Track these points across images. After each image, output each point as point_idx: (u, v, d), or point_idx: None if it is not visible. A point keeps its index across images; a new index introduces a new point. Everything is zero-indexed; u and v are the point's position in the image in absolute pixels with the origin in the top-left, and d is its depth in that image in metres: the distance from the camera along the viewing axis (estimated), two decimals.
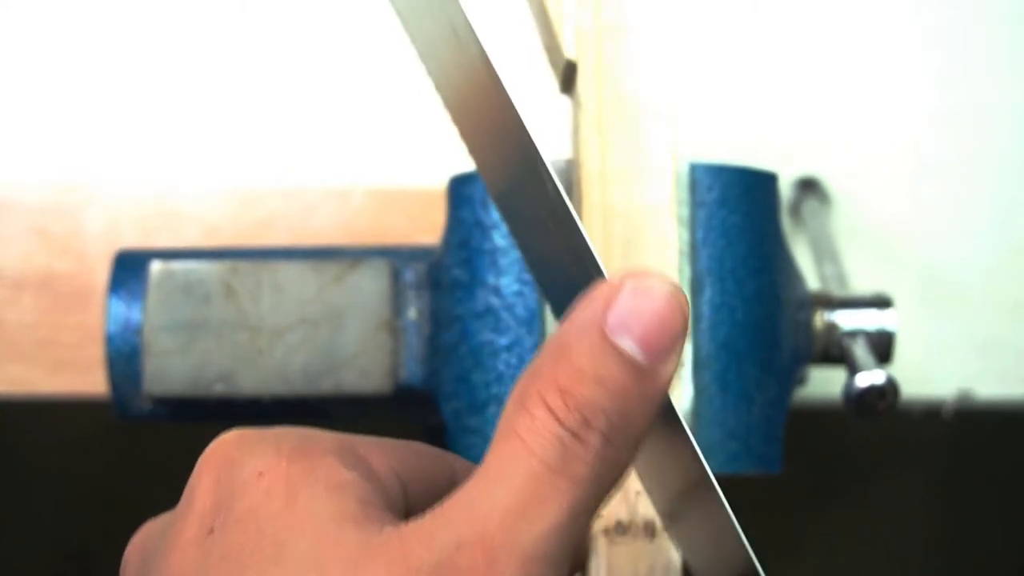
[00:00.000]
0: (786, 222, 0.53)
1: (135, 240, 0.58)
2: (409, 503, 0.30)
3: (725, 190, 0.42)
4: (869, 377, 0.43)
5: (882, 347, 0.46)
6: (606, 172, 0.39)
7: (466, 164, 0.35)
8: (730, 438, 0.42)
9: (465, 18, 0.28)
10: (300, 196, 0.60)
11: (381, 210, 0.59)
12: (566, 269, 0.30)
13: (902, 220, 0.61)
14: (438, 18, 0.28)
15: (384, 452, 0.30)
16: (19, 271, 0.58)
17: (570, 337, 0.26)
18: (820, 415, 0.54)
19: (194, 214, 0.59)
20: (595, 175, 0.39)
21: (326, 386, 0.45)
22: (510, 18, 0.60)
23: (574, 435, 0.26)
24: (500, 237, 0.43)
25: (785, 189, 0.59)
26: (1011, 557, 0.74)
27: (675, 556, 0.37)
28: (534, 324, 0.42)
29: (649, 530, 0.37)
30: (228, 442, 0.28)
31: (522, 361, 0.42)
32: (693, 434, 0.40)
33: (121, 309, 0.47)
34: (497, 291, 0.43)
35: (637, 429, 0.27)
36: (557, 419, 0.26)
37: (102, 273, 0.51)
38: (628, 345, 0.26)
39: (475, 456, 0.43)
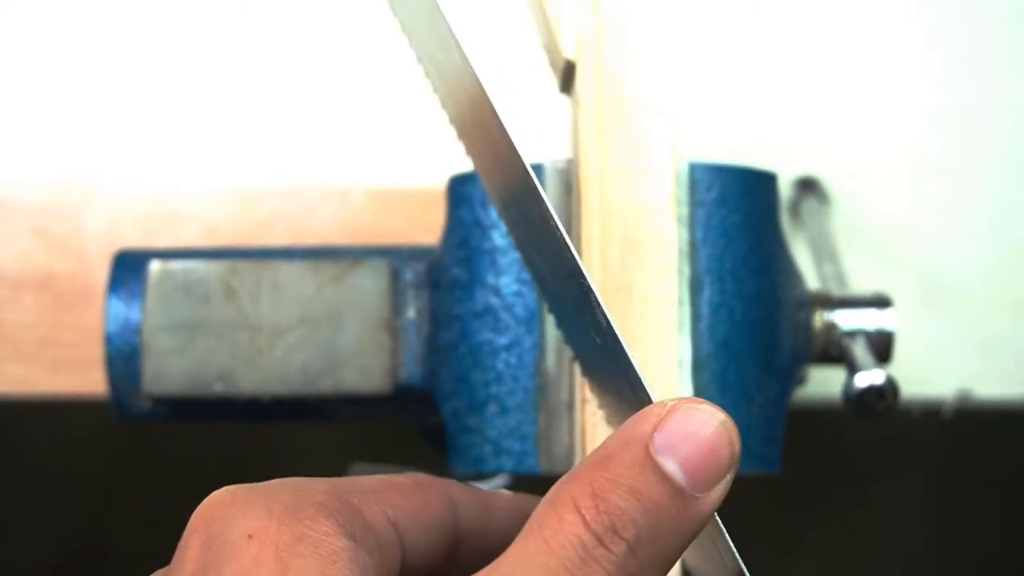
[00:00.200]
0: (785, 222, 0.53)
1: (135, 240, 0.58)
2: (406, 550, 0.29)
3: (725, 190, 0.42)
4: (869, 377, 0.43)
5: (882, 347, 0.46)
6: (605, 172, 0.39)
7: (465, 164, 0.35)
8: None
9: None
10: (300, 196, 0.60)
11: (381, 210, 0.59)
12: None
13: (902, 220, 0.61)
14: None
15: (377, 500, 0.29)
16: (19, 271, 0.58)
17: (613, 448, 0.27)
18: (820, 415, 0.54)
19: (194, 214, 0.59)
20: (594, 175, 0.39)
21: (325, 386, 0.45)
22: (510, 18, 0.60)
23: (599, 540, 0.25)
24: (499, 237, 0.43)
25: (784, 189, 0.59)
26: (1011, 556, 0.74)
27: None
28: (533, 324, 0.42)
29: None
30: (219, 500, 0.28)
31: (521, 360, 0.42)
32: None
33: (120, 309, 0.47)
34: (496, 291, 0.43)
35: (668, 549, 0.26)
36: (584, 522, 0.26)
37: (102, 273, 0.51)
38: (671, 467, 0.26)
39: (474, 456, 0.43)
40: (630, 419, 0.27)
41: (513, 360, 0.42)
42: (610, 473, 0.26)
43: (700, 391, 0.41)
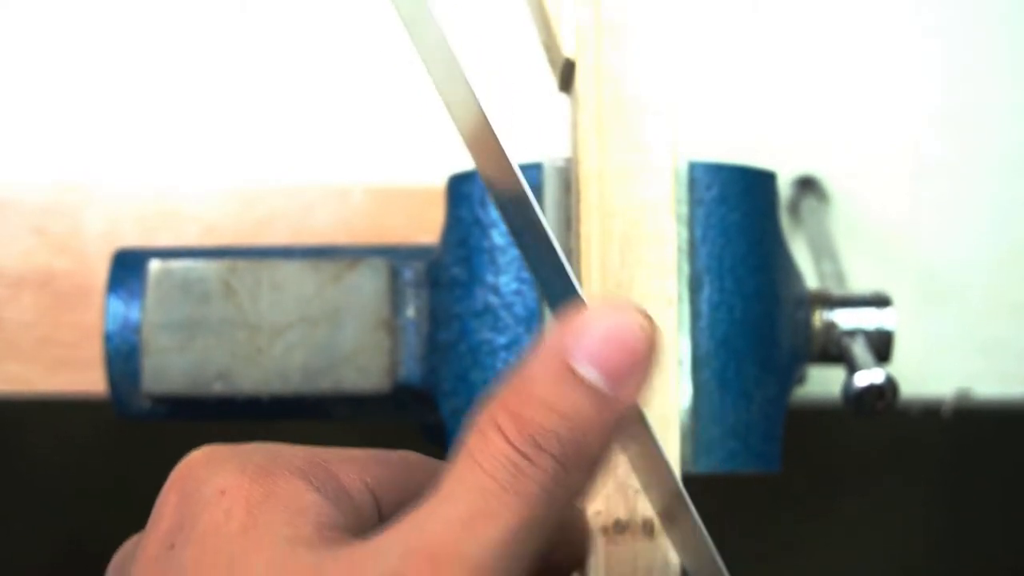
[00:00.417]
0: (785, 220, 0.53)
1: (135, 240, 0.58)
2: (384, 516, 0.30)
3: (724, 188, 0.42)
4: (868, 376, 0.43)
5: (881, 346, 0.46)
6: (605, 170, 0.39)
7: (465, 163, 0.35)
8: (729, 436, 0.42)
9: (465, 77, 0.29)
10: (299, 195, 0.60)
11: (380, 209, 0.59)
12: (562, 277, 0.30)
13: (901, 219, 0.61)
14: (447, 67, 0.29)
15: (356, 467, 0.30)
16: (19, 270, 0.58)
17: (533, 365, 0.27)
18: (819, 414, 0.54)
19: (194, 214, 0.59)
20: (594, 173, 0.39)
21: (325, 384, 0.45)
22: (509, 17, 0.60)
23: (525, 457, 0.26)
24: (499, 235, 0.43)
25: (784, 187, 0.59)
26: (1010, 556, 0.74)
27: (673, 555, 0.37)
28: (533, 323, 0.42)
29: (648, 529, 0.37)
30: (196, 459, 0.29)
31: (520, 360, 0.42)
32: (692, 432, 0.41)
33: (120, 308, 0.47)
34: (496, 289, 0.43)
35: (594, 453, 0.27)
36: (509, 442, 0.26)
37: (102, 272, 0.51)
38: (588, 372, 0.26)
39: None
40: (549, 333, 0.27)
41: (513, 359, 0.42)
42: (530, 391, 0.27)
43: (700, 389, 0.41)
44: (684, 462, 0.40)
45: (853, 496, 0.74)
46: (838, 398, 0.44)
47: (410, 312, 0.46)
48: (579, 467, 0.27)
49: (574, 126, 0.40)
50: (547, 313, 0.42)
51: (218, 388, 0.45)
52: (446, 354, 0.44)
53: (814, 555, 0.74)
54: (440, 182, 0.46)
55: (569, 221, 0.41)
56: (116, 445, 0.71)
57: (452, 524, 0.26)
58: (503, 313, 0.42)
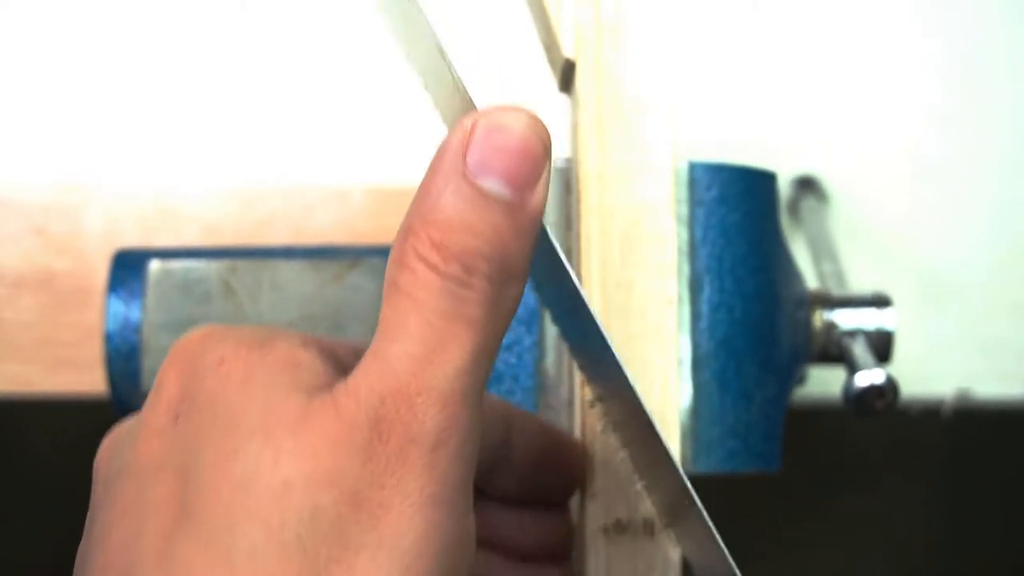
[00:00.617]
0: (784, 221, 0.53)
1: (135, 240, 0.58)
2: None
3: (724, 189, 0.42)
4: (868, 376, 0.43)
5: (881, 346, 0.46)
6: (605, 171, 0.39)
7: None
8: (729, 436, 0.42)
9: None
10: (300, 196, 0.60)
11: (381, 210, 0.59)
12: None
13: (901, 219, 0.61)
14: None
15: (350, 345, 0.31)
16: (19, 270, 0.58)
17: (434, 186, 0.27)
18: (820, 414, 0.54)
19: (194, 214, 0.59)
20: (594, 174, 0.39)
21: None
22: (509, 17, 0.60)
23: (459, 282, 0.27)
24: None
25: (783, 187, 0.59)
26: (1010, 556, 0.74)
27: (675, 554, 0.37)
28: (533, 323, 0.42)
29: (649, 528, 0.37)
30: (193, 337, 0.29)
31: (521, 360, 0.42)
32: (692, 432, 0.41)
33: (120, 308, 0.47)
34: None
35: (519, 262, 0.27)
36: (437, 272, 0.27)
37: (102, 272, 0.51)
38: (492, 185, 0.27)
39: None
40: (439, 149, 0.27)
41: (513, 359, 0.42)
42: (440, 215, 0.27)
43: (700, 389, 0.41)
44: (684, 462, 0.40)
45: (853, 496, 0.74)
46: (838, 398, 0.44)
47: None
48: (508, 282, 0.27)
49: (574, 126, 0.40)
50: (546, 315, 0.42)
51: None
52: None
53: (814, 555, 0.74)
54: None
55: (569, 221, 0.41)
56: None
57: (411, 362, 0.26)
58: None
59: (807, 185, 0.60)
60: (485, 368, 0.27)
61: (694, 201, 0.42)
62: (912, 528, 0.75)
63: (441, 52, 0.28)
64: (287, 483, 0.25)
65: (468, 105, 0.29)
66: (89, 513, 0.29)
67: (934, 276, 0.60)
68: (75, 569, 0.29)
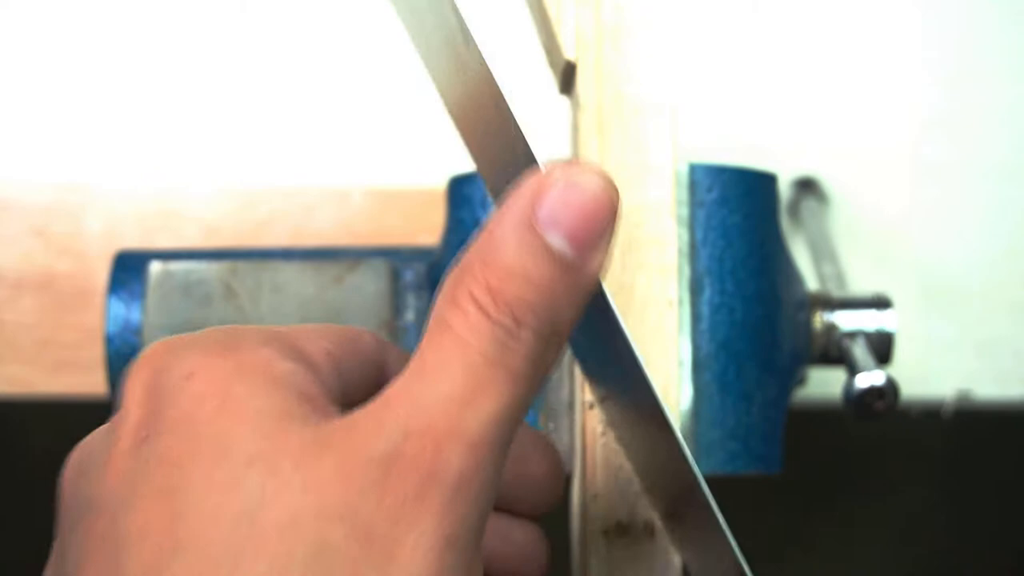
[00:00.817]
0: (784, 222, 0.53)
1: (135, 240, 0.58)
2: (344, 385, 0.29)
3: (725, 190, 0.42)
4: (869, 378, 0.43)
5: (881, 348, 0.46)
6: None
7: (466, 164, 0.35)
8: (730, 438, 0.42)
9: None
10: (300, 196, 0.60)
11: (381, 210, 0.59)
12: None
13: (901, 220, 0.61)
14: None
15: (315, 336, 0.29)
16: (19, 271, 0.58)
17: (499, 231, 0.27)
18: (820, 415, 0.54)
19: (194, 214, 0.59)
20: None
21: None
22: (510, 18, 0.60)
23: (507, 331, 0.26)
24: None
25: (783, 189, 0.59)
26: (1010, 557, 0.74)
27: (675, 557, 0.37)
28: None
29: (649, 531, 0.37)
30: (155, 350, 0.28)
31: None
32: (692, 434, 0.41)
33: (120, 309, 0.47)
34: None
35: (566, 322, 0.27)
36: (488, 316, 0.26)
37: (102, 273, 0.51)
38: (556, 240, 0.26)
39: None
40: (511, 193, 0.27)
41: None
42: (501, 260, 0.26)
43: (700, 391, 0.41)
44: None
45: (853, 497, 0.74)
46: (839, 400, 0.44)
47: (411, 314, 0.46)
48: (553, 340, 0.27)
49: (575, 128, 0.40)
50: None
51: None
52: None
53: (814, 555, 0.74)
54: (440, 183, 0.46)
55: None
56: None
57: (448, 402, 0.26)
58: None
59: (807, 187, 0.60)
60: (517, 420, 0.27)
61: (695, 203, 0.42)
62: (912, 529, 0.75)
63: (502, 102, 0.28)
64: (294, 516, 0.24)
65: (527, 153, 0.28)
66: (56, 546, 0.28)
67: (934, 278, 0.60)
68: None
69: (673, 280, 0.39)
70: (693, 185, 0.42)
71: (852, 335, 0.46)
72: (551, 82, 0.43)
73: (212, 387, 0.26)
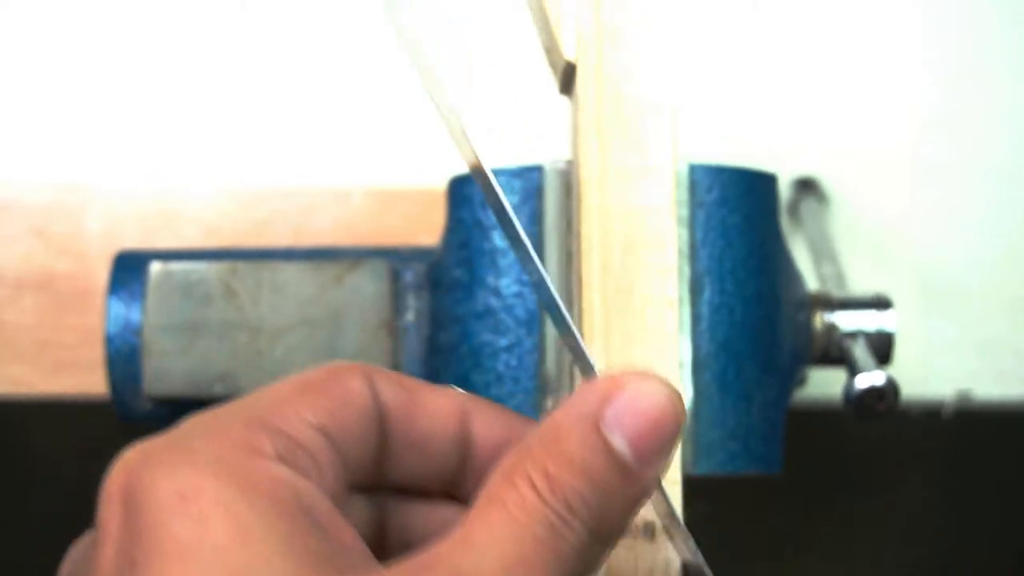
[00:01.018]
0: (784, 222, 0.53)
1: (135, 240, 0.58)
2: (339, 449, 0.28)
3: (725, 190, 0.42)
4: (869, 378, 0.43)
5: (882, 348, 0.46)
6: (606, 173, 0.39)
7: (465, 164, 0.35)
8: (730, 438, 0.42)
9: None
10: (300, 196, 0.60)
11: (381, 210, 0.59)
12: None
13: (901, 220, 0.61)
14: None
15: (296, 408, 0.28)
16: (19, 271, 0.58)
17: (565, 423, 0.27)
18: (820, 415, 0.54)
19: (194, 214, 0.59)
20: (594, 176, 0.39)
21: None
22: (510, 19, 0.60)
23: (561, 518, 0.26)
24: (500, 238, 0.43)
25: (783, 189, 0.59)
26: (1010, 557, 0.74)
27: (675, 556, 0.37)
28: (533, 325, 0.42)
29: (649, 531, 0.37)
30: (131, 460, 0.26)
31: (521, 362, 0.42)
32: (692, 434, 0.41)
33: (121, 310, 0.47)
34: (497, 292, 0.43)
35: (616, 523, 0.27)
36: (544, 500, 0.26)
37: (102, 273, 0.51)
38: (619, 443, 0.27)
39: None
40: (580, 390, 0.28)
41: (513, 361, 0.42)
42: (562, 450, 0.27)
43: (700, 391, 0.41)
44: (684, 464, 0.40)
45: (853, 498, 0.74)
46: (839, 400, 0.44)
47: (411, 314, 0.46)
48: (601, 538, 0.27)
49: (575, 129, 0.40)
50: (547, 316, 0.42)
51: (219, 390, 0.45)
52: (447, 356, 0.44)
53: (814, 555, 0.74)
54: (441, 184, 0.46)
55: (570, 224, 0.41)
56: (117, 447, 0.71)
57: (493, 573, 0.26)
58: (504, 315, 0.43)
59: (807, 187, 0.60)
60: None
61: (695, 203, 0.42)
62: (912, 529, 0.75)
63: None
64: None
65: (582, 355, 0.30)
66: None
67: (934, 277, 0.60)
68: None
69: (673, 280, 0.39)
70: (693, 185, 0.42)
71: (852, 335, 0.46)
72: (551, 82, 0.43)
73: (216, 511, 0.24)
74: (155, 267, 0.46)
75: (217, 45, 0.61)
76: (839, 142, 0.61)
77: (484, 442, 0.32)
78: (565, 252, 0.41)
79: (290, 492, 0.26)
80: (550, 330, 0.42)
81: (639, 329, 0.38)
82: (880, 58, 0.62)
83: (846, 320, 0.47)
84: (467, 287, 0.43)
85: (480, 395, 0.43)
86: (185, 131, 0.61)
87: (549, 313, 0.31)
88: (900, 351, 0.47)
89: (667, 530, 0.31)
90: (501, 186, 0.33)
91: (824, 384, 0.51)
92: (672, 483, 0.35)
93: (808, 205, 0.60)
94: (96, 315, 0.55)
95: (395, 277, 0.46)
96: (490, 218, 0.43)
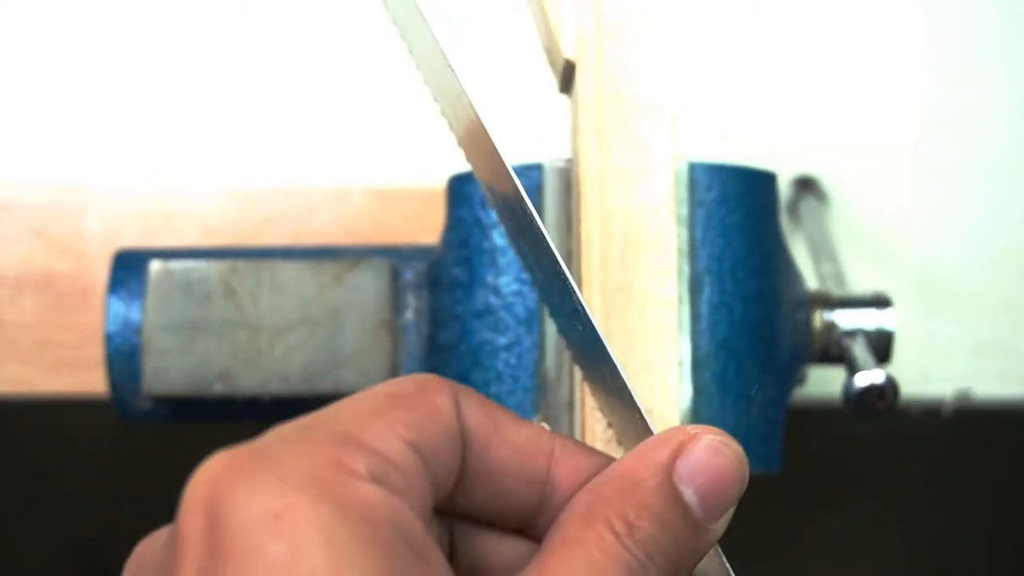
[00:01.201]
0: (784, 221, 0.53)
1: (135, 240, 0.58)
2: (429, 466, 0.27)
3: (724, 189, 0.42)
4: (868, 377, 0.43)
5: (881, 347, 0.46)
6: (605, 172, 0.39)
7: (465, 164, 0.35)
8: None
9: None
10: (300, 196, 0.60)
11: (381, 210, 0.59)
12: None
13: (900, 219, 0.61)
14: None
15: (387, 424, 0.27)
16: (19, 271, 0.58)
17: (640, 471, 0.29)
18: (820, 415, 0.54)
19: (194, 214, 0.59)
20: (594, 175, 0.39)
21: (325, 385, 0.45)
22: (510, 19, 0.60)
23: (641, 564, 0.28)
24: (499, 237, 0.43)
25: (783, 188, 0.59)
26: (1010, 556, 0.74)
27: None
28: (533, 323, 0.42)
29: None
30: (216, 472, 0.24)
31: (521, 360, 0.42)
32: None
33: (121, 309, 0.47)
34: (496, 290, 0.43)
35: (681, 573, 0.29)
36: (625, 546, 0.28)
37: (102, 273, 0.51)
38: (689, 495, 0.28)
39: None
40: (654, 440, 0.29)
41: (513, 360, 0.42)
42: (640, 498, 0.28)
43: (700, 391, 0.41)
44: None
45: (853, 496, 0.74)
46: (838, 399, 0.44)
47: (410, 313, 0.46)
48: None
49: (574, 127, 0.40)
50: (546, 315, 0.42)
51: (219, 389, 0.45)
52: (447, 355, 0.44)
53: (814, 555, 0.75)
54: (440, 183, 0.46)
55: (570, 222, 0.41)
56: (117, 446, 0.71)
57: None
58: (504, 314, 0.43)
59: (807, 186, 0.60)
60: None
61: (694, 202, 0.42)
62: (912, 528, 0.75)
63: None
64: None
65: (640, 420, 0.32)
66: None
67: (933, 277, 0.60)
68: None
69: (673, 279, 0.39)
70: (693, 184, 0.42)
71: (852, 334, 0.46)
72: (551, 82, 0.44)
73: (314, 537, 0.23)
74: (155, 266, 0.46)
75: (217, 45, 0.61)
76: (839, 141, 0.61)
77: (566, 486, 0.31)
78: (565, 251, 0.41)
79: (384, 515, 0.24)
80: (550, 328, 0.42)
81: (639, 328, 0.38)
82: (880, 58, 0.62)
83: (845, 319, 0.47)
84: (467, 286, 0.43)
85: (479, 393, 0.43)
86: (185, 131, 0.61)
87: (583, 347, 0.32)
88: (899, 350, 0.47)
89: None
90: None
91: (824, 383, 0.51)
92: None
93: (808, 204, 0.60)
94: (96, 315, 0.55)
95: (395, 276, 0.46)
96: (490, 217, 0.43)
